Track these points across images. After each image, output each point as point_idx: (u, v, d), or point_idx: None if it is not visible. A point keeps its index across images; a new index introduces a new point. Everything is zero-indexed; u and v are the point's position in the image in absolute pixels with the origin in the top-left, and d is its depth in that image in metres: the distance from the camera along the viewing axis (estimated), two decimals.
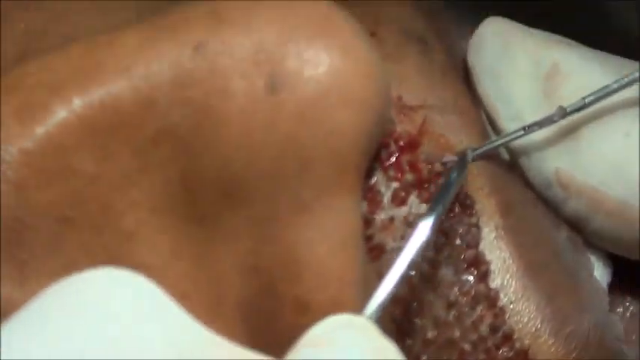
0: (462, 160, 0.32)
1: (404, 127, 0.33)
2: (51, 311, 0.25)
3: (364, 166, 0.30)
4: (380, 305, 0.27)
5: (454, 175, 0.31)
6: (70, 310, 0.25)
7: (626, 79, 0.33)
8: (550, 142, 0.34)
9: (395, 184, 0.32)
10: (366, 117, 0.29)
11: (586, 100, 0.33)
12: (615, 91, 0.33)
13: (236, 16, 0.29)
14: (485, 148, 0.34)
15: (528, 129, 0.34)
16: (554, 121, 0.33)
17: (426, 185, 0.32)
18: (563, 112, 0.33)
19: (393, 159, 0.32)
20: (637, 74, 0.32)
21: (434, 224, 0.29)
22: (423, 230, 0.29)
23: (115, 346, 0.24)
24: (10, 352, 0.23)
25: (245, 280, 0.29)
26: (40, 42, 0.33)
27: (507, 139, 0.34)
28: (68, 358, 0.23)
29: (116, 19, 0.33)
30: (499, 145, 0.34)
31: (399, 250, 0.29)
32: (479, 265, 0.32)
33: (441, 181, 0.32)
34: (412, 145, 0.33)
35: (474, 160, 0.33)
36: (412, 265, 0.28)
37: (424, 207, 0.32)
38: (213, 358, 0.25)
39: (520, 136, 0.34)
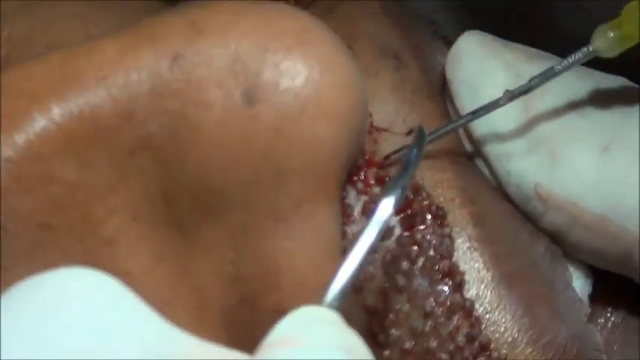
0: (421, 136, 0.31)
1: (369, 146, 0.33)
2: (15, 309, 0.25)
3: (343, 178, 0.30)
4: (342, 289, 0.25)
5: (414, 152, 0.30)
6: (33, 308, 0.25)
7: (569, 61, 0.32)
8: (529, 158, 0.35)
9: (364, 198, 0.32)
10: (344, 129, 0.29)
11: (532, 83, 0.33)
12: (559, 72, 0.33)
13: (214, 27, 0.29)
14: (437, 133, 0.34)
15: (475, 114, 0.34)
16: (500, 105, 0.33)
17: None
18: (510, 96, 0.33)
19: (362, 174, 0.32)
20: (580, 55, 0.32)
21: (396, 201, 0.27)
22: (386, 208, 0.27)
23: (79, 342, 0.24)
24: None
25: (226, 289, 0.30)
26: (22, 49, 0.33)
27: (454, 125, 0.35)
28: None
29: (97, 29, 0.33)
30: (448, 130, 0.34)
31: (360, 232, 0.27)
32: (453, 275, 0.32)
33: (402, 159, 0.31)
34: (378, 162, 0.33)
35: (428, 141, 0.32)
36: (373, 246, 0.26)
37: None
38: (180, 354, 0.24)
39: (468, 121, 0.34)
